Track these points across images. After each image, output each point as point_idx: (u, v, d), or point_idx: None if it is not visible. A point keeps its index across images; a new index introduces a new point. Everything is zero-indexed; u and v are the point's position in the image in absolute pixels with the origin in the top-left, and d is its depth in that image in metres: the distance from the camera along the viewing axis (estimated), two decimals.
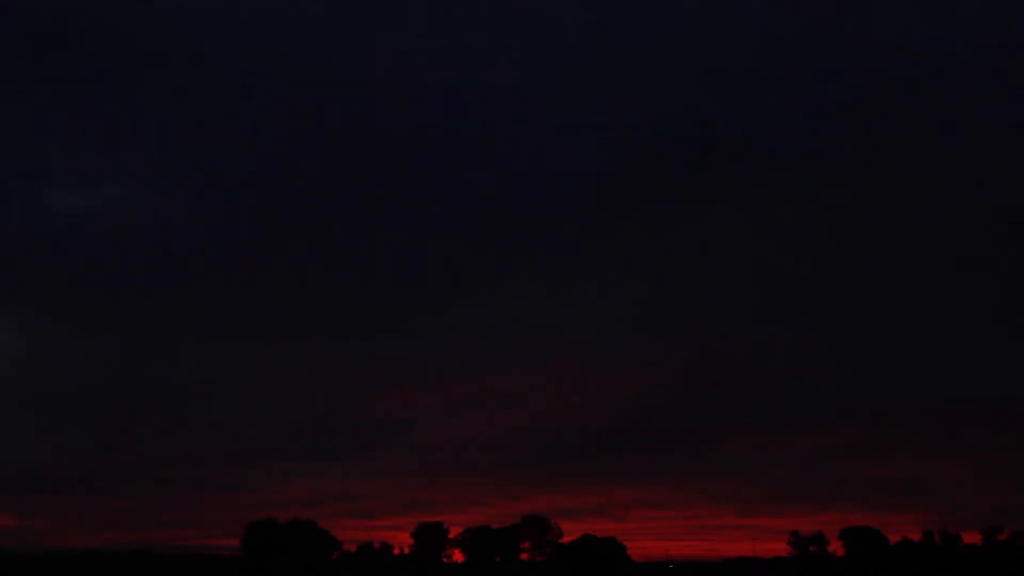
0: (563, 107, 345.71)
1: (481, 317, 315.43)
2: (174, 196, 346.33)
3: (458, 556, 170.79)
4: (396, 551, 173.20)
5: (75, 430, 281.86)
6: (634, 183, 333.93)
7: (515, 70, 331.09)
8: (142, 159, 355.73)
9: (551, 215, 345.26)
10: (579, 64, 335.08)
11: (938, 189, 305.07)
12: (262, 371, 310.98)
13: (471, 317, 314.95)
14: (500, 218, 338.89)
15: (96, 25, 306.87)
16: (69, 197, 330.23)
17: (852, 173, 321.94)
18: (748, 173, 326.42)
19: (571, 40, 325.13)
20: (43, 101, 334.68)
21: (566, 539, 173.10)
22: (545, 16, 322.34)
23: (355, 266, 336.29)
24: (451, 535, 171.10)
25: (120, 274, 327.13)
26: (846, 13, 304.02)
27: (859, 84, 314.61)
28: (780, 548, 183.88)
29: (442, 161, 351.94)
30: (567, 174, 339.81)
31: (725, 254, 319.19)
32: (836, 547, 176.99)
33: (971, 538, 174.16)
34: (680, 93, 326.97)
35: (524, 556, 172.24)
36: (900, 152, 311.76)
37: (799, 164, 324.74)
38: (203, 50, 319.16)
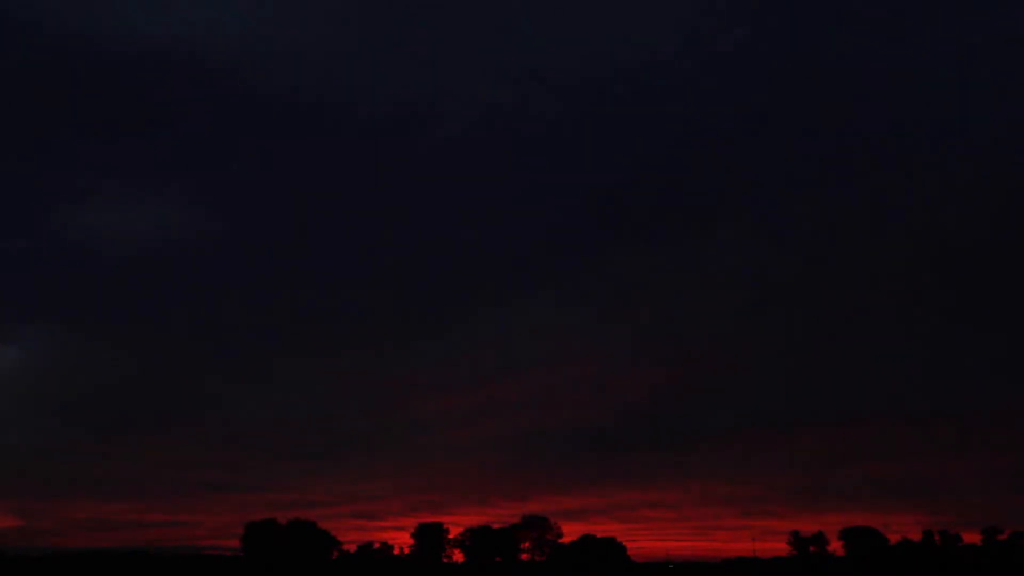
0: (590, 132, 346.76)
1: (487, 323, 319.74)
2: (195, 217, 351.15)
3: (458, 556, 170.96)
4: (396, 551, 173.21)
5: (79, 433, 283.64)
6: (639, 202, 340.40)
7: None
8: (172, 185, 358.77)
9: (561, 231, 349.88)
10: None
11: (937, 200, 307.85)
12: (264, 374, 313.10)
13: (477, 325, 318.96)
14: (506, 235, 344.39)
15: (140, 60, 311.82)
16: (99, 220, 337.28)
17: (852, 189, 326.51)
18: (750, 188, 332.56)
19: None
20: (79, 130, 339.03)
21: (566, 539, 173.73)
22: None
23: (362, 277, 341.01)
24: (451, 535, 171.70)
25: (128, 287, 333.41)
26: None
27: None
28: (780, 548, 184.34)
29: (467, 179, 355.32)
30: (571, 194, 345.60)
31: (727, 261, 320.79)
32: (836, 547, 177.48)
33: (971, 538, 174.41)
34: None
35: (524, 556, 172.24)
36: (900, 165, 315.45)
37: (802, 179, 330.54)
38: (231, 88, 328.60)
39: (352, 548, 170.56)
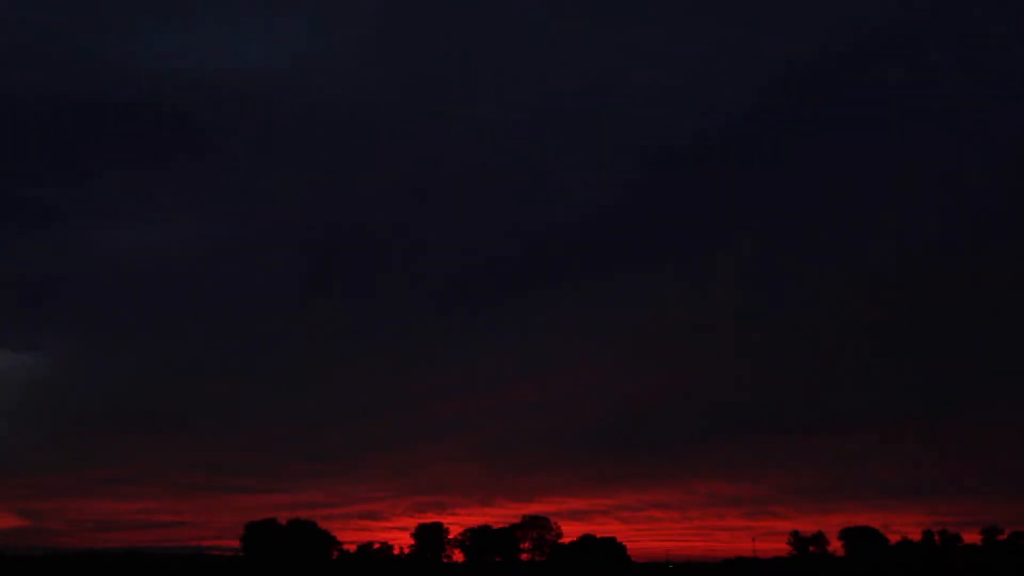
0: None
1: (495, 328, 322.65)
2: (204, 228, 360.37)
3: (458, 556, 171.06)
4: (396, 551, 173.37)
5: (85, 435, 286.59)
6: (649, 212, 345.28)
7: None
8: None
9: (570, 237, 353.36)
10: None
11: (940, 208, 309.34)
12: (269, 377, 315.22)
13: (485, 330, 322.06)
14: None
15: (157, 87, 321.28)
16: (113, 234, 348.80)
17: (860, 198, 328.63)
18: (760, 197, 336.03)
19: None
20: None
21: (566, 539, 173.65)
22: None
23: (370, 281, 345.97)
24: (451, 535, 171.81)
25: (136, 296, 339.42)
26: None
27: None
28: (780, 548, 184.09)
29: (478, 184, 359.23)
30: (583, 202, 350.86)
31: (732, 268, 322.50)
32: (836, 547, 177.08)
33: (971, 538, 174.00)
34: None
35: (524, 556, 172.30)
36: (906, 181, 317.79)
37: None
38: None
39: (352, 548, 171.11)
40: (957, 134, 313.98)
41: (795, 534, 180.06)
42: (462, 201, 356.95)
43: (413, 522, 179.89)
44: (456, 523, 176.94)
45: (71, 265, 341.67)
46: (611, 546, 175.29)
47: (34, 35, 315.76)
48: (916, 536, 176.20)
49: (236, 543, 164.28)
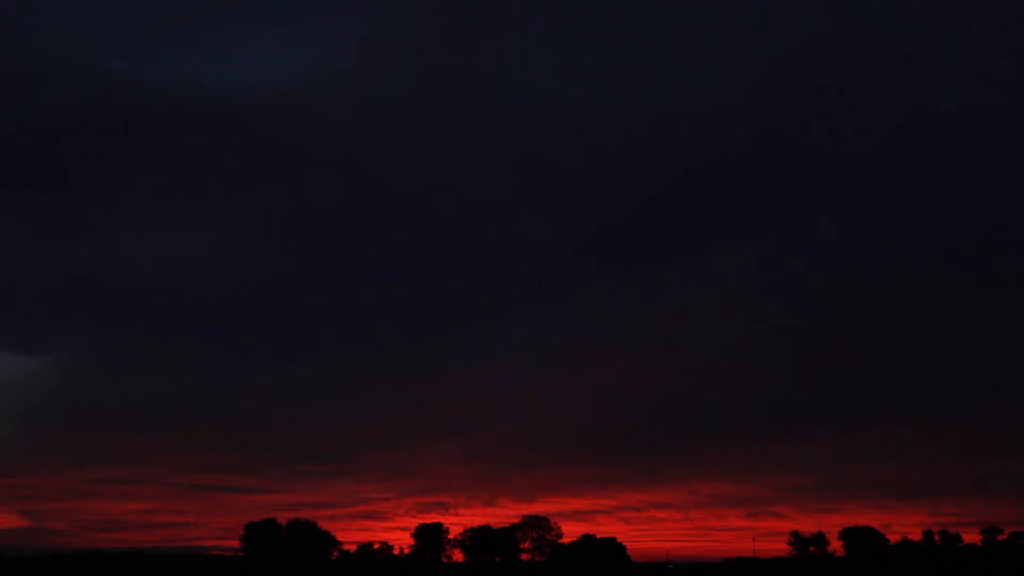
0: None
1: (495, 331, 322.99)
2: (208, 234, 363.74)
3: (458, 556, 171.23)
4: (396, 551, 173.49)
5: (88, 436, 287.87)
6: (657, 220, 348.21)
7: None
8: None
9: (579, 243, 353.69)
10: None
11: (943, 218, 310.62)
12: (275, 378, 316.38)
13: (494, 333, 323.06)
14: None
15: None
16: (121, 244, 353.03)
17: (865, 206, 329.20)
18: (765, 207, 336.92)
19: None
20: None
21: (566, 539, 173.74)
22: None
23: (379, 284, 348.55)
24: (451, 535, 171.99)
25: (142, 300, 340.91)
26: None
27: None
28: (781, 548, 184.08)
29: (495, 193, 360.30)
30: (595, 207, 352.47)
31: (733, 270, 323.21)
32: (836, 547, 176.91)
33: (971, 538, 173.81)
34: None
35: (524, 556, 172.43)
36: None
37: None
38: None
39: (352, 548, 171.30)
40: (961, 136, 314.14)
41: (795, 534, 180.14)
42: (463, 204, 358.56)
43: (414, 522, 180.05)
44: (457, 523, 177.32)
45: (75, 269, 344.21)
46: (611, 546, 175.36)
47: (37, 46, 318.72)
48: (916, 536, 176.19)
49: (236, 543, 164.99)
